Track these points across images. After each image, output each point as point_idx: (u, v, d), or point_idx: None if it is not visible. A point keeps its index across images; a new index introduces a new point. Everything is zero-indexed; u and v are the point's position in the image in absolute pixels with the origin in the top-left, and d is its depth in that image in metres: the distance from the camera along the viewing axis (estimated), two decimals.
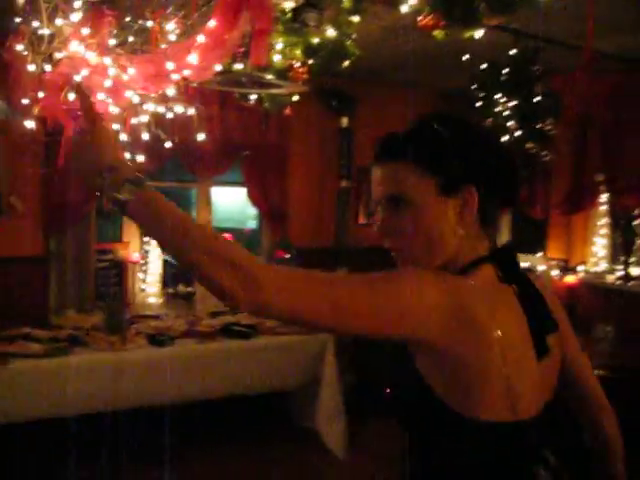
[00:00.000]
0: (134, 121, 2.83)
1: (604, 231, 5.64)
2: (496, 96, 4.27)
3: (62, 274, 5.18)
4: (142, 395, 4.28)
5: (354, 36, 3.35)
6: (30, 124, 2.74)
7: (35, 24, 2.92)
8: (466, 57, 3.43)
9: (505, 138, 4.16)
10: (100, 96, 2.54)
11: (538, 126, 4.13)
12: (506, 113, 4.18)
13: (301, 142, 6.15)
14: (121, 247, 5.52)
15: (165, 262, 5.73)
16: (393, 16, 3.62)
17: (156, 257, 5.63)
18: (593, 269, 5.61)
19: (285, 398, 5.21)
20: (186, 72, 2.49)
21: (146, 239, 5.60)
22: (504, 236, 6.67)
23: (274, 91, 3.48)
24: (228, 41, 2.41)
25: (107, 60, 2.43)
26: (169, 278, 5.83)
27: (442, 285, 1.35)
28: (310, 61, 3.58)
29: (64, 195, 5.01)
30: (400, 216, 1.44)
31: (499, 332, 1.34)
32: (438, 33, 2.58)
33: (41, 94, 2.70)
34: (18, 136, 3.87)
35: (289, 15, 3.40)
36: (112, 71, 2.42)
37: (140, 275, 5.59)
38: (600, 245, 5.66)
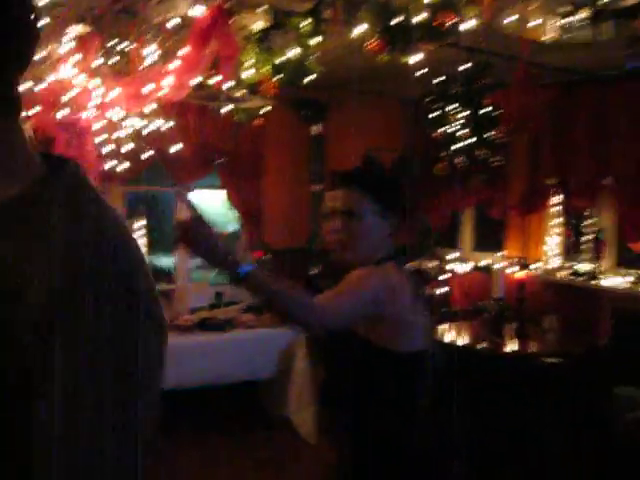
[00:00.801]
0: (120, 134, 3.20)
1: (557, 230, 6.05)
2: (450, 107, 4.65)
3: None
4: None
5: (316, 55, 3.72)
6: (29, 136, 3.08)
7: None
8: (421, 72, 3.79)
9: (459, 145, 4.55)
10: (86, 113, 2.91)
11: (488, 135, 4.53)
12: (459, 123, 4.56)
13: (275, 149, 6.51)
14: None
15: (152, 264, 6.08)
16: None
17: None
18: (546, 266, 6.02)
19: (259, 388, 5.55)
20: (164, 92, 2.85)
21: None
22: (467, 235, 7.09)
23: (243, 105, 3.84)
24: (199, 64, 2.78)
25: (95, 82, 2.79)
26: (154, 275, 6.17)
27: (380, 274, 2.16)
28: (278, 77, 3.96)
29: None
30: (351, 225, 2.20)
31: (409, 297, 2.18)
32: (382, 57, 2.97)
33: (33, 110, 3.05)
34: None
35: (258, 36, 3.80)
36: (99, 91, 2.79)
37: None
38: (554, 243, 6.07)
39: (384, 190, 2.29)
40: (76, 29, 2.74)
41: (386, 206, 2.24)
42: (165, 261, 8.97)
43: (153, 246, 6.29)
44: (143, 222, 6.07)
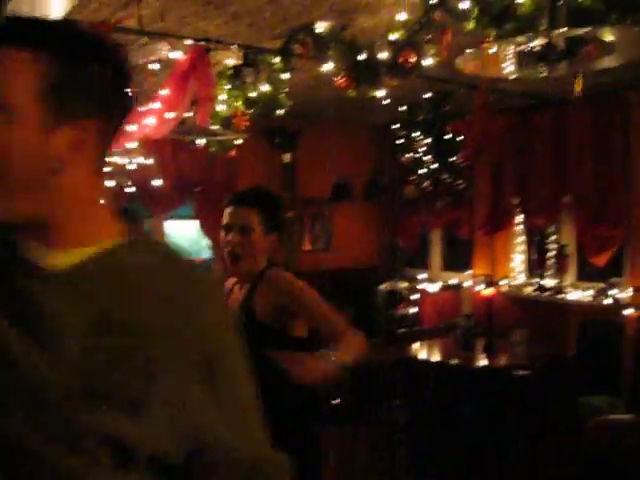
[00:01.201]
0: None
1: (521, 248, 6.31)
2: (414, 134, 4.89)
3: None
4: None
5: (286, 90, 3.92)
6: None
7: None
8: (387, 101, 3.99)
9: (423, 171, 4.78)
10: None
11: (451, 159, 4.77)
12: (423, 149, 4.80)
13: (248, 176, 6.66)
14: None
15: None
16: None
17: None
18: (513, 282, 6.26)
19: None
20: (146, 131, 3.03)
21: None
22: (436, 255, 7.32)
23: (219, 138, 4.02)
24: (180, 104, 2.97)
25: None
26: None
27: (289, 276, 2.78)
28: (250, 110, 4.15)
29: None
30: (247, 237, 2.60)
31: None
32: (350, 92, 3.19)
33: None
34: None
35: (230, 72, 3.99)
36: None
37: None
38: (519, 261, 6.32)
39: (270, 208, 2.70)
40: None
41: (271, 222, 2.68)
42: None
43: None
44: None
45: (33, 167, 1.03)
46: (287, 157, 6.82)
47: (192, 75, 2.95)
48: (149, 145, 3.54)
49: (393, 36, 3.00)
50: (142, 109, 3.04)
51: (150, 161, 3.49)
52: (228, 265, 2.64)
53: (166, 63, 3.20)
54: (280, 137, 6.73)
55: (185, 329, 1.08)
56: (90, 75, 1.05)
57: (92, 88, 1.06)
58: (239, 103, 4.10)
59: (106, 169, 3.14)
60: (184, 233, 11.59)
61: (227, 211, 2.63)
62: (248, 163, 6.40)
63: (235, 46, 3.89)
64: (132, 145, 3.30)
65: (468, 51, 2.30)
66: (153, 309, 1.08)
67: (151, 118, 2.96)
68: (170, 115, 2.97)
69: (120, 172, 3.50)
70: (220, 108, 4.10)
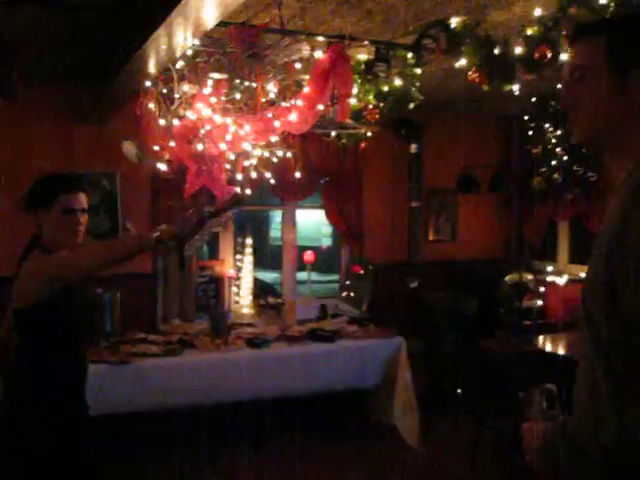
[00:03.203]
0: (246, 163, 3.59)
1: None
2: (545, 125, 4.85)
3: (168, 288, 5.97)
4: (242, 390, 5.00)
5: (417, 84, 4.01)
6: (162, 166, 3.51)
7: (162, 87, 3.71)
8: (518, 91, 3.99)
9: (554, 162, 4.74)
10: (222, 146, 3.30)
11: (583, 151, 4.71)
12: (554, 141, 4.76)
13: (375, 167, 6.82)
14: (218, 264, 6.30)
15: (255, 278, 6.50)
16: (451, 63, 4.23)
17: (248, 273, 6.37)
18: None
19: (364, 396, 5.84)
20: (289, 127, 3.21)
21: (238, 257, 6.37)
22: (563, 248, 7.20)
23: (351, 131, 4.16)
24: (320, 101, 3.13)
25: (229, 120, 3.18)
26: (259, 291, 6.60)
27: None
28: (381, 104, 4.27)
29: (168, 220, 5.81)
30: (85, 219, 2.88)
31: None
32: (484, 86, 3.25)
33: (171, 143, 3.47)
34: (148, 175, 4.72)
35: (363, 67, 4.11)
36: (232, 128, 3.18)
37: (234, 289, 6.34)
38: None
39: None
40: (214, 76, 3.14)
41: None
42: (269, 276, 9.43)
43: (265, 262, 6.67)
44: (249, 240, 6.47)
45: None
46: (413, 148, 6.89)
47: (332, 73, 3.10)
48: (290, 139, 3.74)
49: (528, 31, 3.02)
50: (285, 105, 3.22)
51: (289, 154, 3.69)
52: (66, 242, 2.81)
53: (307, 62, 3.37)
54: (406, 128, 6.80)
55: None
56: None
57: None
58: (371, 97, 4.23)
59: (248, 162, 3.32)
60: (306, 222, 11.91)
61: (70, 196, 2.83)
62: (375, 154, 6.52)
63: (367, 42, 4.02)
64: (274, 139, 3.50)
65: None
66: None
67: (294, 115, 3.14)
68: (312, 112, 3.13)
69: (262, 163, 3.71)
70: (352, 102, 4.25)
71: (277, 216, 17.87)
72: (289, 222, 6.67)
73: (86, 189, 2.93)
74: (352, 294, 6.63)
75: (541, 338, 5.72)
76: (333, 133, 4.69)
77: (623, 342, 1.34)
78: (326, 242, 16.67)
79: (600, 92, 1.46)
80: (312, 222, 13.77)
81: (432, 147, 6.97)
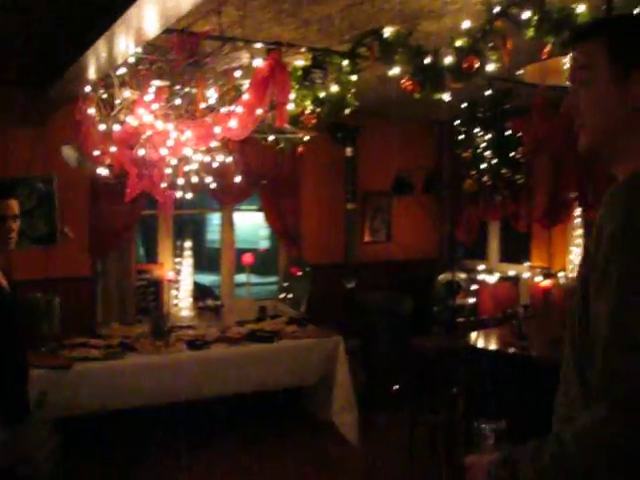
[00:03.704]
0: (187, 168, 3.66)
1: (579, 241, 6.42)
2: (475, 130, 5.06)
3: (107, 291, 5.98)
4: (182, 390, 5.05)
5: (353, 90, 4.15)
6: (103, 171, 3.56)
7: (102, 92, 3.76)
8: (448, 98, 4.15)
9: (484, 165, 4.96)
10: (162, 151, 3.37)
11: (510, 155, 4.94)
12: (483, 144, 4.97)
13: (311, 170, 6.95)
14: (156, 267, 6.33)
15: (194, 281, 6.55)
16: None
17: (187, 275, 6.42)
18: (570, 274, 6.38)
19: (303, 394, 5.96)
20: (229, 133, 3.30)
21: (177, 260, 6.41)
22: (494, 247, 7.47)
23: (289, 135, 4.28)
24: (260, 108, 3.23)
25: (170, 126, 3.26)
26: (198, 293, 6.65)
27: None
28: (317, 109, 4.39)
29: (107, 224, 5.83)
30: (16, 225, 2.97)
31: None
32: (415, 94, 3.40)
33: (112, 148, 3.52)
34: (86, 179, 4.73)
35: (300, 73, 4.23)
36: (173, 133, 3.25)
37: (173, 291, 6.38)
38: (576, 253, 6.43)
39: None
40: (155, 83, 3.21)
41: None
42: (206, 279, 9.45)
43: (202, 265, 6.71)
44: (188, 243, 6.51)
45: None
46: (349, 151, 7.03)
47: (271, 80, 3.20)
48: (230, 144, 3.83)
49: (457, 42, 3.19)
50: (225, 111, 3.31)
51: (229, 159, 3.79)
52: (6, 248, 2.98)
53: (247, 69, 3.47)
54: (342, 132, 6.93)
55: None
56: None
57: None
58: (308, 102, 4.35)
59: (189, 167, 3.39)
60: (247, 224, 11.96)
61: (6, 203, 2.93)
62: (311, 157, 6.64)
63: (304, 49, 4.14)
64: (214, 144, 3.59)
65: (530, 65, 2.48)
66: None
67: (234, 121, 3.23)
68: (251, 118, 3.23)
69: (203, 168, 3.79)
70: (289, 107, 4.35)
71: (214, 219, 17.81)
72: (227, 224, 6.73)
73: (16, 195, 3.01)
74: (290, 295, 6.74)
75: (473, 334, 5.93)
76: (271, 137, 4.79)
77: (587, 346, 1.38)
78: (264, 244, 16.71)
79: (604, 94, 1.44)
80: (250, 225, 13.80)
81: (367, 151, 7.14)
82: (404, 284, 7.16)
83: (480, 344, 5.75)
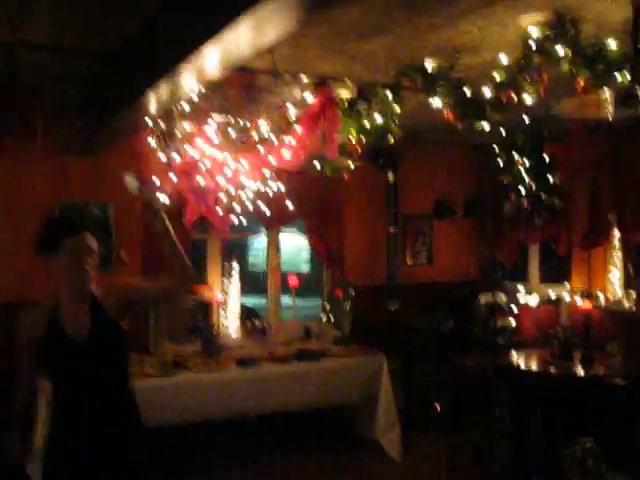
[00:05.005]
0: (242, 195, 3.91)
1: (618, 262, 6.51)
2: (514, 155, 5.23)
3: (158, 312, 6.22)
4: (232, 408, 5.26)
5: (396, 119, 4.36)
6: (165, 198, 3.81)
7: (161, 124, 4.03)
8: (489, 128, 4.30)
9: (522, 189, 5.12)
10: (221, 180, 3.62)
11: (549, 179, 5.09)
12: (522, 169, 5.14)
13: (354, 195, 7.16)
14: (206, 289, 6.57)
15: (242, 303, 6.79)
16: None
17: (234, 296, 6.65)
18: (610, 296, 6.48)
19: (346, 413, 6.12)
20: (282, 164, 3.54)
21: (225, 281, 6.65)
22: (534, 269, 7.58)
23: (335, 164, 4.50)
24: (311, 141, 3.47)
25: (228, 156, 3.51)
26: (245, 314, 6.88)
27: None
28: (362, 138, 4.61)
29: (159, 248, 6.08)
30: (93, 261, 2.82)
31: None
32: (457, 124, 3.61)
33: (172, 176, 3.78)
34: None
35: (345, 104, 4.46)
36: (232, 164, 3.50)
37: (222, 312, 6.61)
38: (616, 275, 6.53)
39: None
40: (216, 117, 3.47)
41: None
42: (249, 301, 9.68)
43: (244, 287, 6.92)
44: (235, 265, 6.74)
45: None
46: (390, 176, 7.23)
47: (321, 115, 3.43)
48: (281, 173, 4.07)
49: (496, 76, 3.39)
50: (279, 143, 3.55)
51: (282, 187, 4.03)
52: (76, 288, 2.80)
53: (299, 104, 3.71)
54: (384, 158, 7.13)
55: None
56: None
57: None
58: (353, 131, 4.57)
59: (244, 193, 3.62)
60: (288, 247, 12.17)
61: (75, 239, 2.79)
62: (354, 182, 6.83)
63: (348, 81, 4.37)
64: (267, 173, 3.84)
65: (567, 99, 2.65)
66: None
67: (287, 153, 3.47)
68: (302, 150, 3.46)
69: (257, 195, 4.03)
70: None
71: (255, 242, 18.15)
72: (274, 247, 6.97)
73: (92, 229, 2.91)
74: (334, 316, 6.93)
75: (514, 354, 6.06)
76: (317, 165, 5.01)
77: None
78: (304, 267, 16.95)
79: None
80: (291, 248, 14.07)
81: (408, 175, 7.34)
82: (445, 305, 7.31)
83: (521, 364, 5.88)
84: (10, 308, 5.62)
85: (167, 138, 3.94)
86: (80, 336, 2.77)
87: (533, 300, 7.29)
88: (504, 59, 3.43)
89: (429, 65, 3.87)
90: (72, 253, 2.75)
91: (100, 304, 2.82)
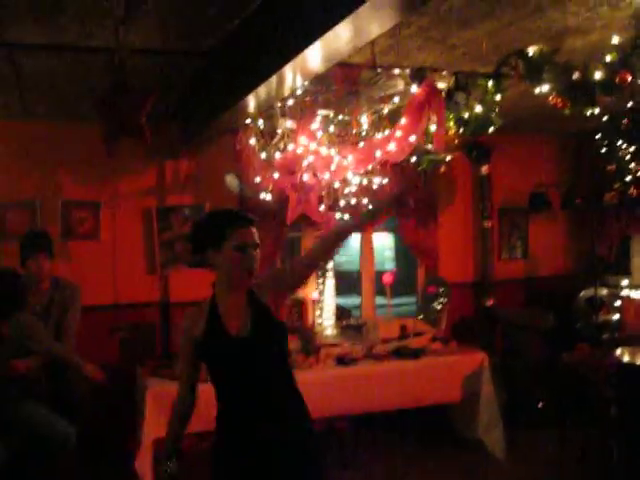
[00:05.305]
0: (345, 191, 3.89)
1: None
2: (618, 142, 5.03)
3: None
4: (331, 406, 5.23)
5: (496, 110, 4.25)
6: (267, 196, 3.84)
7: (260, 122, 4.04)
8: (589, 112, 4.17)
9: (628, 178, 4.92)
10: (325, 175, 3.61)
11: None
12: (628, 157, 4.94)
13: (447, 189, 7.05)
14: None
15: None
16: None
17: (329, 296, 6.64)
18: None
19: (448, 412, 6.02)
20: (387, 156, 3.50)
21: (320, 280, 6.65)
22: (638, 262, 7.29)
23: (431, 156, 4.42)
24: (416, 132, 3.41)
25: (333, 151, 3.49)
26: (340, 313, 6.86)
27: None
28: (460, 130, 4.51)
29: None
30: (258, 254, 2.67)
31: None
32: (565, 110, 3.48)
33: (275, 174, 3.78)
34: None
35: (443, 95, 4.38)
36: (336, 158, 3.48)
37: (317, 311, 6.61)
38: None
39: None
40: (321, 112, 3.46)
41: None
42: (340, 301, 9.70)
43: (339, 287, 6.91)
44: (330, 264, 6.72)
45: None
46: (484, 169, 7.08)
47: (426, 106, 3.37)
48: (385, 167, 4.03)
49: (608, 57, 3.25)
50: (382, 136, 3.51)
51: (385, 180, 3.99)
52: (241, 281, 2.67)
53: (403, 95, 3.66)
54: (477, 150, 7.00)
55: None
56: None
57: None
58: (451, 123, 4.48)
59: (348, 189, 3.59)
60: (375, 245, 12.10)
61: (243, 231, 2.66)
62: (446, 176, 6.74)
63: (445, 72, 4.29)
64: (369, 167, 3.80)
65: None
66: None
67: (392, 144, 3.42)
68: (409, 141, 3.41)
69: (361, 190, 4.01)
70: (432, 128, 4.50)
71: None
72: (367, 245, 6.93)
73: (256, 222, 2.74)
74: (429, 314, 6.84)
75: (619, 350, 5.83)
76: (414, 159, 4.95)
77: None
78: (389, 266, 16.85)
79: None
80: (375, 246, 14.01)
81: (501, 168, 7.17)
82: (543, 300, 7.11)
83: (626, 360, 5.65)
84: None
85: (267, 136, 3.95)
86: (242, 333, 2.65)
87: (636, 294, 7.01)
88: (615, 40, 3.29)
89: (532, 50, 3.75)
90: (240, 244, 2.61)
91: (259, 298, 2.69)
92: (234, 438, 2.68)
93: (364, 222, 2.86)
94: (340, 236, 2.73)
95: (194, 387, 2.83)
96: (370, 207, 2.80)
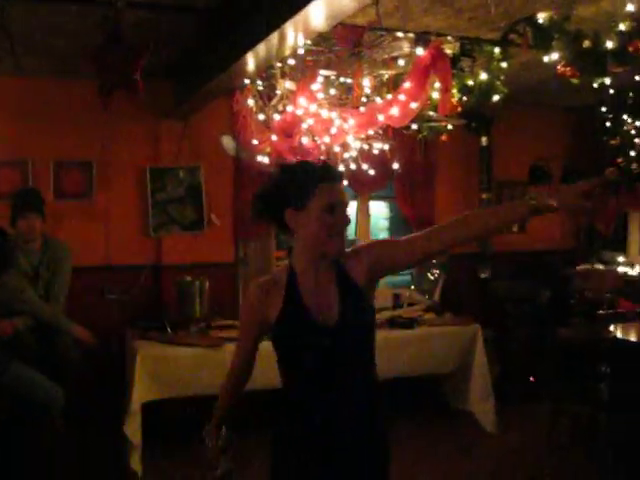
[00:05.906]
0: (346, 155, 3.79)
1: None
2: (623, 116, 4.94)
3: (248, 276, 6.20)
4: None
5: (502, 77, 4.14)
6: (264, 159, 3.74)
7: (259, 83, 3.93)
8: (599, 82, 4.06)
9: (632, 153, 4.84)
10: (325, 139, 3.51)
11: None
12: (632, 131, 4.85)
13: (446, 159, 6.95)
14: None
15: None
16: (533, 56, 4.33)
17: None
18: None
19: (440, 383, 5.99)
20: (389, 121, 3.40)
21: None
22: (635, 238, 7.24)
23: (433, 124, 4.32)
24: (420, 96, 3.31)
25: (334, 114, 3.39)
26: None
27: None
28: (464, 98, 4.41)
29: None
30: (349, 216, 2.21)
31: None
32: (574, 80, 3.38)
33: (273, 137, 3.68)
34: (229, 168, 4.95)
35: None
36: (337, 121, 3.38)
37: None
38: None
39: None
40: (323, 72, 3.35)
41: None
42: None
43: None
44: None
45: None
46: (484, 140, 6.99)
47: (432, 69, 3.27)
48: (388, 133, 3.93)
49: (621, 26, 3.15)
50: (387, 100, 3.41)
51: (386, 146, 3.89)
52: (328, 249, 2.17)
53: (408, 58, 3.55)
54: (477, 121, 6.89)
55: None
56: None
57: None
58: (455, 91, 4.37)
59: (348, 154, 3.50)
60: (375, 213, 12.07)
61: (333, 187, 2.18)
62: (445, 146, 6.62)
63: (450, 37, 4.17)
64: (371, 132, 3.70)
65: None
66: None
67: (395, 108, 3.32)
68: (412, 105, 3.31)
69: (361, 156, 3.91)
70: (434, 95, 4.39)
71: None
72: (363, 214, 6.85)
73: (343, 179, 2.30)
74: (424, 284, 6.78)
75: (612, 327, 5.79)
76: (414, 126, 4.84)
77: None
78: (384, 235, 16.77)
79: None
80: (379, 214, 13.91)
81: (502, 140, 7.07)
82: (539, 275, 7.06)
83: (620, 336, 5.61)
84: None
85: (265, 97, 3.84)
86: (329, 321, 2.20)
87: (632, 271, 6.97)
88: (630, 8, 3.18)
89: (541, 17, 3.64)
90: (330, 203, 2.14)
91: (348, 272, 2.24)
92: (308, 437, 2.29)
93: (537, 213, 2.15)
94: (506, 219, 2.22)
95: (251, 362, 2.46)
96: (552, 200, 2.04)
